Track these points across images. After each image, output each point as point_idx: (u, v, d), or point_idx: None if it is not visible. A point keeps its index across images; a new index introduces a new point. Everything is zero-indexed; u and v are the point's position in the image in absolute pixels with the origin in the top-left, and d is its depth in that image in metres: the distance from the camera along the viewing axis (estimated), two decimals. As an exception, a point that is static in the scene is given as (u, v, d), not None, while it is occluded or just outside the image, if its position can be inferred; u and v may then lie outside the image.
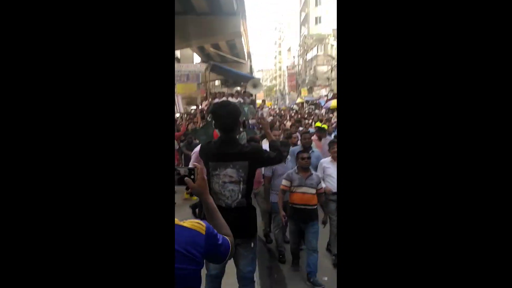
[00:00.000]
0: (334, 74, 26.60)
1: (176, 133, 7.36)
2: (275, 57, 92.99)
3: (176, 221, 1.12)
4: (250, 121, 3.02)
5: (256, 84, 12.41)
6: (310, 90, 34.13)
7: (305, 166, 3.85)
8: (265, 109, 13.81)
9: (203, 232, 1.16)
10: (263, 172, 4.36)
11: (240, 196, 2.49)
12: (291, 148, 4.79)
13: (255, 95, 12.16)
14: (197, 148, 5.33)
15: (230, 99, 9.98)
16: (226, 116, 2.47)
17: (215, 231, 1.22)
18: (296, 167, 3.97)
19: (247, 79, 13.25)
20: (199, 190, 1.35)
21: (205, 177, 1.37)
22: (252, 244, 2.55)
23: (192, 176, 1.33)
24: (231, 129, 2.49)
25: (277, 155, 2.64)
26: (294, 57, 50.94)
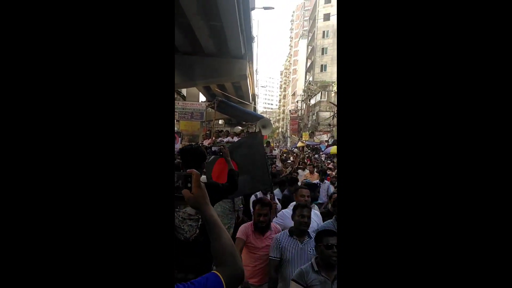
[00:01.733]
0: (335, 120, 26.93)
1: None
2: (280, 101, 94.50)
3: None
4: (213, 148, 3.27)
5: (266, 125, 11.86)
6: (312, 134, 34.45)
7: (333, 257, 2.33)
8: (276, 151, 13.54)
9: None
10: (272, 255, 2.93)
11: (197, 231, 2.60)
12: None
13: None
14: None
15: (235, 138, 10.02)
16: (189, 158, 2.71)
17: None
18: (314, 259, 2.48)
19: (256, 119, 12.83)
20: (197, 200, 1.11)
21: (202, 185, 1.14)
22: None
23: (189, 185, 1.12)
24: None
25: (230, 185, 2.80)
26: (297, 101, 51.80)
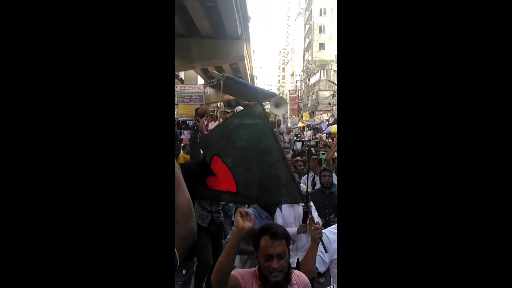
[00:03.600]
0: (335, 99, 26.80)
1: None
2: (278, 81, 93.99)
3: None
4: (188, 122, 2.99)
5: (280, 103, 9.99)
6: (312, 114, 34.38)
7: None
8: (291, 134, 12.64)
9: None
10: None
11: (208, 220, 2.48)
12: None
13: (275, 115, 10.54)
14: None
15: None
16: None
17: None
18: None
19: (268, 97, 11.44)
20: None
21: None
22: (184, 271, 2.39)
23: None
24: None
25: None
26: (297, 81, 51.52)
